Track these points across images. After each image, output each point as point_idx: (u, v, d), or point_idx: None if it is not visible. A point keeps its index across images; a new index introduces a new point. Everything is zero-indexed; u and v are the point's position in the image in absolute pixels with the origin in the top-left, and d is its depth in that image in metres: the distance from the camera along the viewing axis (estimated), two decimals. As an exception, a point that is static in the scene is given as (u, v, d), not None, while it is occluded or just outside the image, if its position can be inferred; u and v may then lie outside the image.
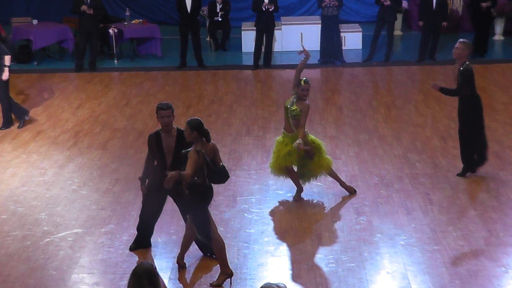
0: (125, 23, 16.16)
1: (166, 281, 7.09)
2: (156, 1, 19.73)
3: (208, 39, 17.21)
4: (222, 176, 7.03)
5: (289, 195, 8.98)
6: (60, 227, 8.28)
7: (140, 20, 16.59)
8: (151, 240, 7.81)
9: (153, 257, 7.59)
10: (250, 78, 14.75)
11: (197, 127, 6.83)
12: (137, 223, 7.86)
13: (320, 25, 15.56)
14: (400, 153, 10.32)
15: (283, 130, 8.77)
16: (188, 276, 7.26)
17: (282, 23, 16.80)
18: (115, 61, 15.88)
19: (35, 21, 16.18)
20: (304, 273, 7.24)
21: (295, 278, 7.18)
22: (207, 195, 6.98)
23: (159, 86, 14.08)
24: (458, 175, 9.42)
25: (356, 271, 7.25)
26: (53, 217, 8.52)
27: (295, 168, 8.86)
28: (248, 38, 16.36)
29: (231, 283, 7.02)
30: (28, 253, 7.70)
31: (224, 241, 7.14)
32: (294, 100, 8.52)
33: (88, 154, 10.54)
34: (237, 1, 18.31)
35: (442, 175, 9.51)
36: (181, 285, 7.11)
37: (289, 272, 7.30)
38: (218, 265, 7.09)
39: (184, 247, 7.33)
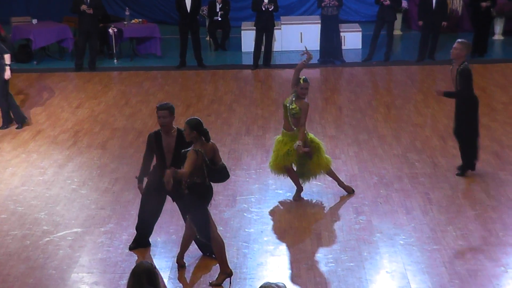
0: (125, 22, 16.16)
1: (165, 280, 7.10)
2: (155, 0, 19.72)
3: (207, 38, 17.21)
4: (222, 175, 7.04)
5: (288, 195, 8.98)
6: (59, 226, 8.29)
7: (140, 20, 16.58)
8: (151, 239, 7.82)
9: (153, 257, 7.59)
10: (250, 78, 14.75)
11: (196, 126, 6.83)
12: (136, 222, 7.86)
13: (319, 25, 15.57)
14: (400, 152, 10.32)
15: (282, 129, 8.77)
16: (188, 275, 7.26)
17: (282, 22, 16.80)
18: (115, 60, 15.88)
19: (34, 21, 16.18)
20: (303, 272, 7.25)
21: (294, 277, 7.19)
22: (207, 195, 6.98)
23: (159, 86, 14.08)
24: (458, 175, 9.42)
25: (356, 270, 7.26)
26: (52, 217, 8.52)
27: (295, 167, 8.86)
28: (248, 38, 16.36)
29: (230, 283, 7.02)
30: (27, 253, 7.70)
31: (224, 241, 7.14)
32: (293, 99, 8.52)
33: (88, 153, 10.54)
34: (236, 0, 18.30)
35: (441, 174, 9.52)
36: (180, 284, 7.12)
37: (288, 272, 7.30)
38: (218, 264, 7.09)
39: (184, 247, 7.33)
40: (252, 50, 15.34)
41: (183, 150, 6.89)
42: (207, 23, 17.27)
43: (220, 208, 8.58)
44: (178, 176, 6.74)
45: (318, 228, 8.19)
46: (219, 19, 16.73)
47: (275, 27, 15.44)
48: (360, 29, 16.89)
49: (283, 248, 7.78)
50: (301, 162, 8.76)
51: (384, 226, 8.14)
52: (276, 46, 16.46)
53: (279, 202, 8.88)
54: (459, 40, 9.20)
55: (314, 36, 15.94)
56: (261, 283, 4.86)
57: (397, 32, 17.50)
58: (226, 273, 7.02)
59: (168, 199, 7.62)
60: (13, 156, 10.48)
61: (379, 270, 7.29)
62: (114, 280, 7.17)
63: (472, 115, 9.21)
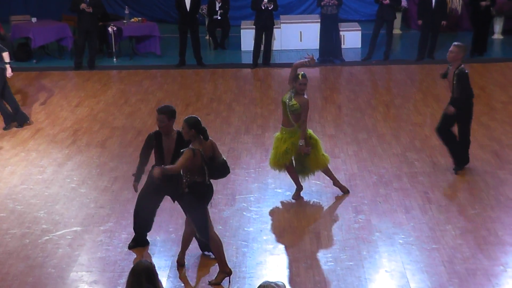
0: (124, 21, 16.15)
1: (164, 279, 7.09)
2: (155, -1, 19.75)
3: (207, 37, 17.21)
4: (222, 171, 7.03)
5: (288, 194, 8.99)
6: (59, 225, 8.29)
7: (139, 18, 16.57)
8: (150, 238, 7.81)
9: (152, 255, 7.59)
10: (249, 77, 14.75)
11: (194, 125, 6.82)
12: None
13: (319, 24, 15.57)
14: (399, 152, 10.33)
15: (281, 126, 8.74)
16: (187, 274, 7.26)
17: (281, 21, 16.80)
18: (114, 59, 15.88)
19: (34, 19, 16.17)
20: (302, 271, 7.25)
21: (293, 276, 7.19)
22: (207, 194, 6.99)
23: (158, 85, 14.07)
24: (455, 170, 9.47)
25: (355, 269, 7.26)
26: (52, 215, 8.52)
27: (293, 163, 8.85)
28: (247, 37, 16.36)
29: (229, 282, 7.02)
30: (27, 251, 7.70)
31: (222, 240, 7.14)
32: (292, 95, 8.49)
33: (87, 152, 10.54)
34: (236, -1, 18.33)
35: (440, 173, 9.52)
36: (180, 283, 7.11)
37: (287, 271, 7.31)
38: (217, 263, 7.10)
39: (185, 245, 7.33)
40: (252, 49, 15.34)
41: (181, 150, 6.89)
42: (206, 22, 17.27)
43: (220, 207, 8.58)
44: (168, 172, 6.75)
45: (317, 227, 8.19)
46: (219, 18, 16.72)
47: (274, 26, 15.44)
48: (360, 28, 16.89)
49: (282, 247, 7.78)
50: (298, 159, 8.75)
51: (383, 225, 8.15)
52: (276, 45, 16.46)
53: (279, 201, 8.88)
54: (456, 43, 9.27)
55: (314, 35, 15.95)
56: (260, 282, 4.86)
57: (396, 31, 17.50)
58: (225, 272, 7.02)
59: (167, 199, 7.62)
60: (12, 154, 10.47)
61: (378, 269, 7.29)
62: (113, 279, 7.17)
63: (468, 116, 9.29)
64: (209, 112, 12.28)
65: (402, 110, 12.27)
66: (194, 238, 7.37)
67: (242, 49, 16.58)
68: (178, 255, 7.36)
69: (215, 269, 7.17)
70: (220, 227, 8.06)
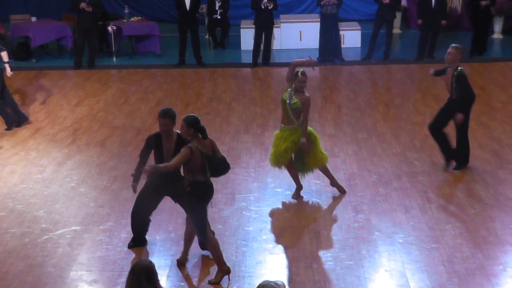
0: (124, 20, 16.15)
1: (164, 278, 7.09)
2: (155, -2, 19.75)
3: (207, 37, 17.21)
4: (223, 167, 7.03)
5: (287, 193, 8.98)
6: (58, 224, 8.28)
7: (139, 18, 16.57)
8: (150, 238, 7.81)
9: (152, 255, 7.58)
10: (249, 76, 14.75)
11: (193, 123, 6.81)
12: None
13: (319, 23, 15.58)
14: (399, 151, 10.33)
15: (281, 124, 8.72)
16: (187, 273, 7.25)
17: (281, 21, 16.80)
18: (114, 58, 15.88)
19: (33, 19, 16.17)
20: (302, 271, 7.25)
21: (293, 276, 7.19)
22: (208, 194, 6.99)
23: (158, 84, 14.07)
24: (455, 167, 9.53)
25: (355, 269, 7.26)
26: (51, 215, 8.52)
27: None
28: (247, 36, 16.36)
29: (229, 280, 7.02)
30: (26, 251, 7.70)
31: (222, 239, 7.16)
32: (292, 93, 8.48)
33: (87, 151, 10.54)
34: (236, -2, 18.33)
35: (440, 173, 9.52)
36: (180, 282, 7.11)
37: (287, 270, 7.31)
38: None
39: (187, 244, 7.32)
40: (251, 48, 15.34)
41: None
42: (206, 21, 17.27)
43: (219, 206, 8.58)
44: (162, 170, 6.76)
45: (317, 226, 8.19)
46: (219, 17, 16.73)
47: (274, 26, 15.44)
48: (360, 28, 16.90)
49: (282, 246, 7.78)
50: (298, 156, 8.74)
51: (383, 225, 8.15)
52: (275, 45, 16.47)
53: (278, 200, 8.87)
54: (453, 45, 9.30)
55: (314, 35, 15.95)
56: (260, 281, 4.86)
57: (396, 30, 17.51)
58: (224, 270, 7.02)
59: (166, 198, 7.61)
60: (12, 154, 10.47)
61: (378, 269, 7.29)
62: (113, 278, 7.17)
63: (466, 116, 9.34)
64: (209, 111, 12.28)
65: (401, 109, 12.27)
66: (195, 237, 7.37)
67: (241, 49, 16.59)
68: (181, 255, 7.34)
69: (215, 269, 7.16)
70: (220, 226, 8.06)
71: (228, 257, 7.42)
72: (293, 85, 8.47)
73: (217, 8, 16.71)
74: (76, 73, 14.94)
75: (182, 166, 6.92)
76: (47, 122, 11.85)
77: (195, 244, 7.50)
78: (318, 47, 15.42)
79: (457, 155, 9.57)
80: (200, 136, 6.84)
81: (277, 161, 8.71)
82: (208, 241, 7.02)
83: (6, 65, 11.36)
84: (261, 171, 9.65)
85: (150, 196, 7.48)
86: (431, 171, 9.58)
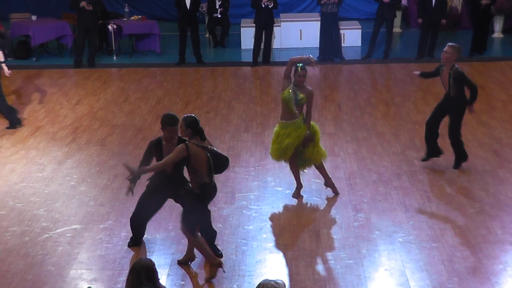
0: (124, 19, 16.15)
1: (164, 277, 7.09)
2: (155, -3, 19.74)
3: (207, 35, 17.21)
4: (224, 162, 7.04)
5: (288, 192, 8.98)
6: (58, 223, 8.29)
7: (139, 16, 16.58)
8: (150, 236, 7.81)
9: (152, 254, 7.58)
10: (249, 75, 14.75)
11: (191, 124, 6.80)
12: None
13: (319, 22, 15.58)
14: (399, 150, 10.33)
15: (281, 120, 8.65)
16: (187, 272, 7.25)
17: (281, 20, 16.80)
18: (114, 57, 15.88)
19: (34, 17, 16.18)
20: (302, 269, 7.25)
21: (293, 274, 7.19)
22: (211, 195, 7.01)
23: (158, 83, 14.07)
24: (455, 167, 9.52)
25: (354, 268, 7.26)
26: (51, 213, 8.52)
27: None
28: (247, 35, 16.36)
29: (224, 271, 7.01)
30: (26, 249, 7.70)
31: (222, 238, 7.14)
32: (296, 88, 8.48)
33: (87, 150, 10.54)
34: (236, -3, 18.32)
35: (440, 172, 9.53)
36: (180, 281, 7.11)
37: (287, 269, 7.31)
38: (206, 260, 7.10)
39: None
40: (252, 47, 15.34)
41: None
42: (206, 20, 17.27)
43: (219, 205, 8.57)
44: (149, 170, 6.87)
45: (317, 225, 8.19)
46: (219, 16, 16.73)
47: (274, 24, 15.44)
48: (360, 27, 16.90)
49: (282, 245, 7.78)
50: (299, 151, 8.72)
51: (383, 224, 8.15)
52: (276, 43, 16.47)
53: (278, 199, 8.87)
54: (450, 44, 9.32)
55: (314, 34, 15.96)
56: (260, 280, 4.86)
57: (396, 29, 17.51)
58: (216, 264, 7.03)
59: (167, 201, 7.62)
60: (12, 152, 10.47)
61: (378, 268, 7.29)
62: (113, 276, 7.17)
63: (462, 111, 9.39)
64: (209, 110, 12.28)
65: (402, 108, 12.27)
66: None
67: (242, 47, 16.59)
68: (186, 254, 7.34)
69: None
70: (220, 225, 8.07)
71: (228, 256, 7.43)
72: (293, 81, 8.48)
73: (217, 7, 16.71)
74: (76, 71, 14.94)
75: (186, 167, 6.91)
76: (47, 120, 11.85)
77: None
78: (318, 46, 15.42)
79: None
80: (198, 138, 6.82)
81: (281, 156, 8.67)
82: (194, 239, 7.01)
83: (3, 65, 11.32)
84: (261, 170, 9.66)
85: (152, 199, 7.45)
86: (431, 170, 9.58)
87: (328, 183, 8.93)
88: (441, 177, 9.40)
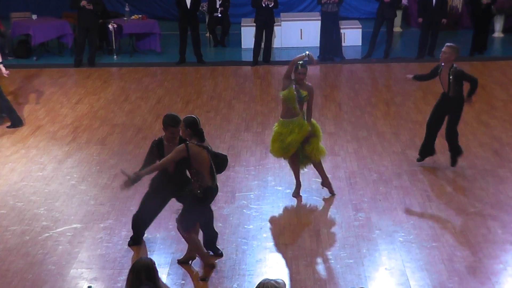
0: (125, 18, 16.15)
1: (164, 276, 7.09)
2: (155, -4, 19.74)
3: (207, 35, 17.20)
4: (224, 162, 7.05)
5: (288, 191, 8.98)
6: (59, 222, 8.29)
7: (139, 16, 16.57)
8: (150, 235, 7.81)
9: (152, 253, 7.58)
10: (249, 74, 14.75)
11: (191, 124, 6.79)
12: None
13: (319, 22, 15.57)
14: (399, 149, 10.33)
15: (282, 119, 8.59)
16: (187, 271, 7.25)
17: (282, 19, 16.79)
18: (114, 56, 15.87)
19: (34, 16, 16.17)
20: (302, 269, 7.25)
21: (293, 274, 7.19)
22: (212, 197, 7.01)
23: (158, 82, 14.07)
24: (451, 165, 9.52)
25: (355, 267, 7.26)
26: (52, 212, 8.52)
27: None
28: (248, 34, 16.36)
29: (217, 270, 7.03)
30: (27, 248, 7.70)
31: (222, 237, 7.13)
32: (297, 87, 8.49)
33: (87, 149, 10.54)
34: (236, -3, 18.31)
35: (440, 172, 9.52)
36: (180, 280, 7.11)
37: (287, 268, 7.31)
38: (216, 261, 7.11)
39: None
40: (252, 46, 15.34)
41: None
42: (206, 20, 17.27)
43: (219, 205, 8.57)
44: (145, 173, 6.87)
45: (317, 225, 8.19)
46: (219, 15, 16.72)
47: (275, 24, 15.44)
48: (360, 26, 16.90)
49: (282, 244, 7.78)
50: (298, 149, 8.72)
51: (383, 223, 8.15)
52: (276, 43, 16.46)
53: (279, 198, 8.87)
54: (448, 44, 9.32)
55: (314, 33, 15.95)
56: (260, 279, 4.86)
57: (396, 29, 17.50)
58: (209, 264, 7.04)
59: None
60: (12, 151, 10.47)
61: (378, 267, 7.29)
62: (113, 276, 7.17)
63: (461, 109, 9.40)
64: (209, 109, 12.28)
65: (402, 108, 12.27)
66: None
67: (242, 47, 16.58)
68: (187, 253, 7.34)
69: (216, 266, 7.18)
70: (220, 224, 8.06)
71: (228, 255, 7.43)
72: (293, 79, 8.49)
73: (217, 6, 16.71)
74: (76, 71, 14.94)
75: (188, 170, 6.90)
76: (48, 120, 11.85)
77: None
78: (318, 45, 15.41)
79: (453, 154, 9.58)
80: (197, 139, 6.81)
81: (283, 153, 8.64)
82: (189, 238, 7.01)
83: (1, 66, 11.30)
84: (261, 170, 9.65)
85: (155, 199, 7.44)
86: (431, 170, 9.58)
87: (325, 182, 8.92)
88: (442, 176, 9.40)
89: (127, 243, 7.73)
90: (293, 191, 8.91)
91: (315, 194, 8.95)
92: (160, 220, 8.05)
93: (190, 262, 7.33)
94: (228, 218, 8.32)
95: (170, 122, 7.09)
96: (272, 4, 14.81)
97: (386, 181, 9.26)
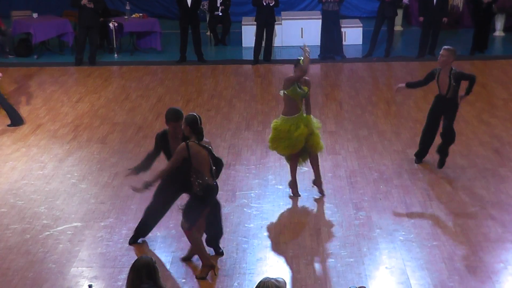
0: (125, 17, 16.14)
1: (165, 275, 7.08)
2: (156, -5, 19.73)
3: (208, 33, 17.19)
4: (219, 162, 7.06)
5: (288, 190, 8.98)
6: (59, 220, 8.29)
7: (140, 14, 16.57)
8: (151, 234, 7.81)
9: (153, 251, 7.59)
10: (250, 73, 14.74)
11: (190, 122, 6.80)
12: (136, 217, 7.84)
13: (320, 20, 15.56)
14: (400, 148, 10.33)
15: (285, 116, 8.58)
16: (188, 270, 7.25)
17: (283, 18, 16.79)
18: (115, 55, 15.87)
19: (35, 15, 16.17)
20: (303, 268, 7.25)
21: (294, 273, 7.19)
22: (213, 195, 7.01)
23: (159, 81, 14.07)
24: (439, 167, 9.49)
25: (355, 266, 7.26)
26: (52, 211, 8.52)
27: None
28: (248, 33, 16.35)
29: (215, 274, 7.04)
30: (27, 247, 7.71)
31: (223, 236, 7.11)
32: (299, 84, 8.50)
33: (88, 148, 10.54)
34: (237, -5, 18.31)
35: (441, 171, 9.52)
36: (181, 279, 7.12)
37: (288, 267, 7.31)
38: (215, 261, 7.10)
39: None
40: (253, 45, 15.33)
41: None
42: (207, 18, 17.26)
43: (220, 203, 8.56)
44: (157, 179, 6.91)
45: (318, 223, 8.19)
46: (220, 14, 16.72)
47: (275, 22, 15.43)
48: (361, 25, 16.88)
49: (282, 243, 7.78)
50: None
51: (383, 222, 8.15)
52: (277, 42, 16.45)
53: (279, 197, 8.87)
54: (446, 47, 9.32)
55: (315, 32, 15.94)
56: (260, 278, 4.86)
57: (397, 28, 17.48)
58: (208, 265, 7.04)
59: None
60: (13, 150, 10.47)
61: (378, 266, 7.29)
62: (113, 274, 7.17)
63: (455, 110, 9.40)
64: (210, 108, 12.28)
65: (402, 107, 12.26)
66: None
67: (243, 45, 16.57)
68: (190, 249, 7.34)
69: (216, 266, 7.18)
70: (221, 223, 8.06)
71: (229, 254, 7.44)
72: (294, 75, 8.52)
73: (218, 5, 16.70)
74: (77, 69, 14.94)
75: (188, 169, 6.90)
76: (48, 118, 11.85)
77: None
78: (319, 44, 15.40)
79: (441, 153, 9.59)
80: (196, 137, 6.81)
81: (292, 150, 8.63)
82: (191, 235, 7.01)
83: None
84: (262, 168, 9.65)
85: (165, 196, 7.41)
86: (432, 169, 9.58)
87: (317, 181, 8.89)
88: (442, 175, 9.39)
89: (127, 241, 7.74)
90: (290, 191, 8.86)
91: (315, 193, 8.94)
92: (161, 219, 8.05)
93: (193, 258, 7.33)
94: (229, 216, 8.32)
95: (171, 116, 7.13)
96: (273, 2, 14.81)
97: (386, 180, 9.26)
